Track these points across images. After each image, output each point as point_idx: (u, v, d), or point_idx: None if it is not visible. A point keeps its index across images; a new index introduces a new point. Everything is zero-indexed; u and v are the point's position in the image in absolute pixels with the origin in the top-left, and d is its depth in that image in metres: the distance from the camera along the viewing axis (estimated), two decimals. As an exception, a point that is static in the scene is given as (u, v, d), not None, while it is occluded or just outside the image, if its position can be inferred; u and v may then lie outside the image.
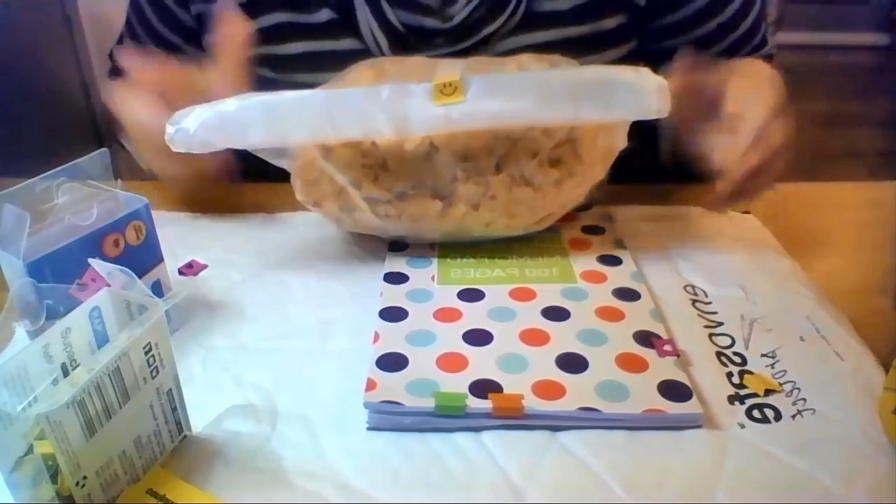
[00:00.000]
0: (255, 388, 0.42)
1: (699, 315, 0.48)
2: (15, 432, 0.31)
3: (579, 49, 0.57)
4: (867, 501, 0.35)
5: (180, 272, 0.53)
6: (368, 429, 0.39)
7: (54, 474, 0.32)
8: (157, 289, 0.46)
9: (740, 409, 0.40)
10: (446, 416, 0.39)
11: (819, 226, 0.60)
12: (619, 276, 0.51)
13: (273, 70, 0.66)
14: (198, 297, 0.50)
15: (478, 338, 0.45)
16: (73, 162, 0.43)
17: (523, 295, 0.49)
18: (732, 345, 0.45)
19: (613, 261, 0.53)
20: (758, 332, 0.46)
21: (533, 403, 0.39)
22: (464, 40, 0.62)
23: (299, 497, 0.36)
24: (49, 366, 0.33)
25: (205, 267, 0.54)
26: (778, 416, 0.40)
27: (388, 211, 0.50)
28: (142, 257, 0.45)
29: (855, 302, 0.49)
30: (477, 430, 0.39)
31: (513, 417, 0.39)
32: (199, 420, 0.39)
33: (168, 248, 0.48)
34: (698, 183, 0.54)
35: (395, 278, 0.51)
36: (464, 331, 0.45)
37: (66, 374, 0.34)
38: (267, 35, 0.65)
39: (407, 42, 0.62)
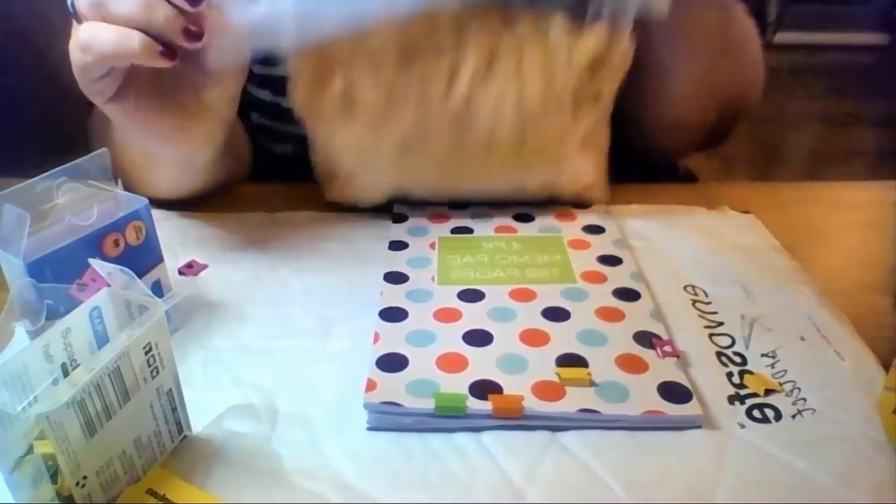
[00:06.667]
0: (255, 388, 0.42)
1: (699, 315, 0.48)
2: (15, 432, 0.31)
3: None
4: (867, 501, 0.35)
5: (180, 272, 0.53)
6: (368, 429, 0.39)
7: (54, 474, 0.32)
8: (157, 289, 0.46)
9: (740, 409, 0.40)
10: (446, 417, 0.39)
11: (819, 226, 0.60)
12: (619, 276, 0.51)
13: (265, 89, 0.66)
14: (198, 297, 0.50)
15: (478, 338, 0.45)
16: (73, 162, 0.43)
17: (523, 295, 0.49)
18: (732, 345, 0.45)
19: (613, 261, 0.53)
20: (758, 332, 0.46)
21: (533, 404, 0.39)
22: None
23: (299, 497, 0.36)
24: (49, 366, 0.33)
25: (205, 267, 0.54)
26: (778, 416, 0.40)
27: (392, 97, 0.48)
28: (142, 257, 0.45)
29: (855, 302, 0.49)
30: (477, 430, 0.39)
31: (513, 418, 0.39)
32: (199, 420, 0.39)
33: (168, 248, 0.48)
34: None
35: (395, 278, 0.51)
36: (464, 331, 0.45)
37: (66, 374, 0.34)
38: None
39: None
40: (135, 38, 0.42)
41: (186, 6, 0.42)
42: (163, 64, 0.44)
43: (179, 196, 0.60)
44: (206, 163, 0.56)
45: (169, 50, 0.43)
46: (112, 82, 0.46)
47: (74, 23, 0.45)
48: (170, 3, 0.42)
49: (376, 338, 0.45)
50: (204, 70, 0.47)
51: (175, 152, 0.53)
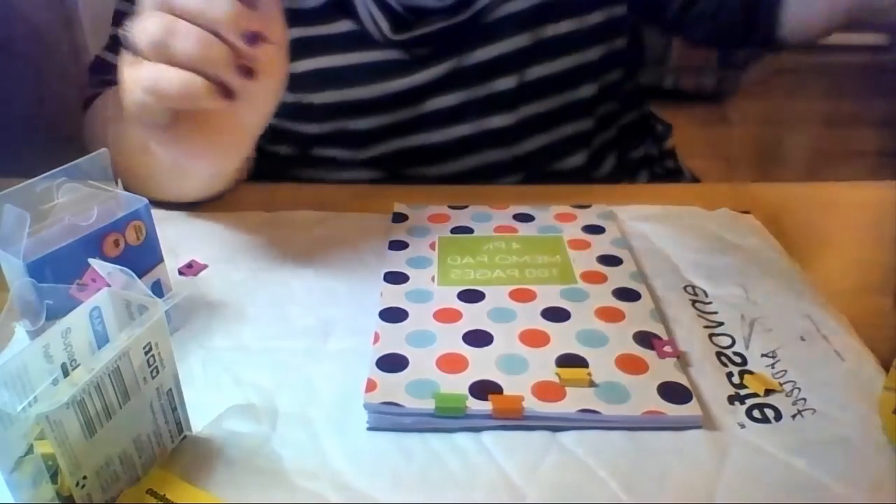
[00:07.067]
0: (255, 388, 0.42)
1: (699, 315, 0.48)
2: (15, 432, 0.31)
3: (574, 11, 0.58)
4: (867, 501, 0.35)
5: (180, 272, 0.53)
6: (368, 429, 0.39)
7: (54, 474, 0.32)
8: (157, 289, 0.46)
9: (740, 409, 0.40)
10: (446, 417, 0.39)
11: (819, 226, 0.60)
12: (619, 276, 0.51)
13: None
14: (198, 297, 0.50)
15: (478, 339, 0.45)
16: (74, 162, 0.43)
17: (523, 296, 0.49)
18: (732, 345, 0.45)
19: (613, 261, 0.53)
20: (758, 332, 0.46)
21: (533, 405, 0.39)
22: (460, 13, 0.62)
23: (299, 497, 0.36)
24: (49, 366, 0.33)
25: (205, 267, 0.54)
26: (778, 416, 0.40)
27: None
28: (142, 257, 0.45)
29: (855, 302, 0.49)
30: (477, 430, 0.39)
31: (513, 419, 0.39)
32: (199, 420, 0.39)
33: (168, 248, 0.48)
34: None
35: (395, 278, 0.51)
36: (464, 332, 0.45)
37: (66, 374, 0.34)
38: None
39: (406, 22, 0.62)
40: (199, 83, 0.42)
41: (244, 47, 0.42)
42: (221, 105, 0.43)
43: (201, 199, 0.62)
44: (232, 171, 0.58)
45: (226, 90, 0.43)
46: (168, 116, 0.46)
47: (126, 57, 0.44)
48: (226, 42, 0.42)
49: (376, 338, 0.45)
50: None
51: (208, 167, 0.55)
